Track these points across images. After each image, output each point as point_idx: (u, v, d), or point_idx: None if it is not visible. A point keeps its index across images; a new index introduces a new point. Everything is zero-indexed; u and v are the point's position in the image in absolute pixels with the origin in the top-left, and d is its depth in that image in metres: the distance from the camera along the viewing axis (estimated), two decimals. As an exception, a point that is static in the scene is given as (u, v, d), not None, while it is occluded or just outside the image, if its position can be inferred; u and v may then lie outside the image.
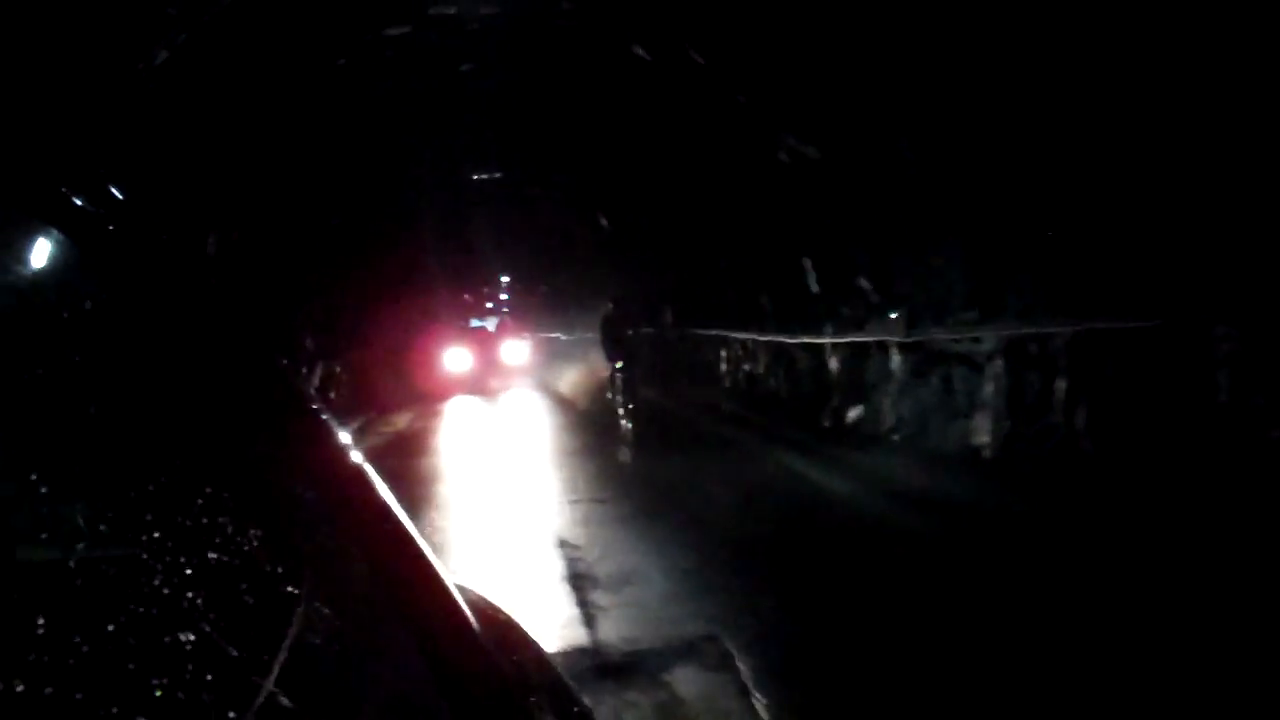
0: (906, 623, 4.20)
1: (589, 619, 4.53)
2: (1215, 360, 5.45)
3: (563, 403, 17.18)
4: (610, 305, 12.31)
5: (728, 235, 13.37)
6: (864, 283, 9.38)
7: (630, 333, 12.30)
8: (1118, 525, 5.43)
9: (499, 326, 26.95)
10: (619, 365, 11.97)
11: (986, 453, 7.61)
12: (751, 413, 12.70)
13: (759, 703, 3.47)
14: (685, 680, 3.71)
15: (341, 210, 14.72)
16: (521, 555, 5.85)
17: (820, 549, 5.60)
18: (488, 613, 1.30)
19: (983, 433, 7.64)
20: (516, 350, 25.79)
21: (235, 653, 0.82)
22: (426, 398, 17.83)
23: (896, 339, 8.82)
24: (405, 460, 10.01)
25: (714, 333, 15.51)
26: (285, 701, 0.81)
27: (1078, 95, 6.05)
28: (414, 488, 8.04)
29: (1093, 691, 3.37)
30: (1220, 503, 5.21)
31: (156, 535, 0.85)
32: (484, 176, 21.80)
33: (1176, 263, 5.71)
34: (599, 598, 4.86)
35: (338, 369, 16.35)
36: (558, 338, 30.92)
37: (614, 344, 12.02)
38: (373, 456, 1.05)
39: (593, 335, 13.69)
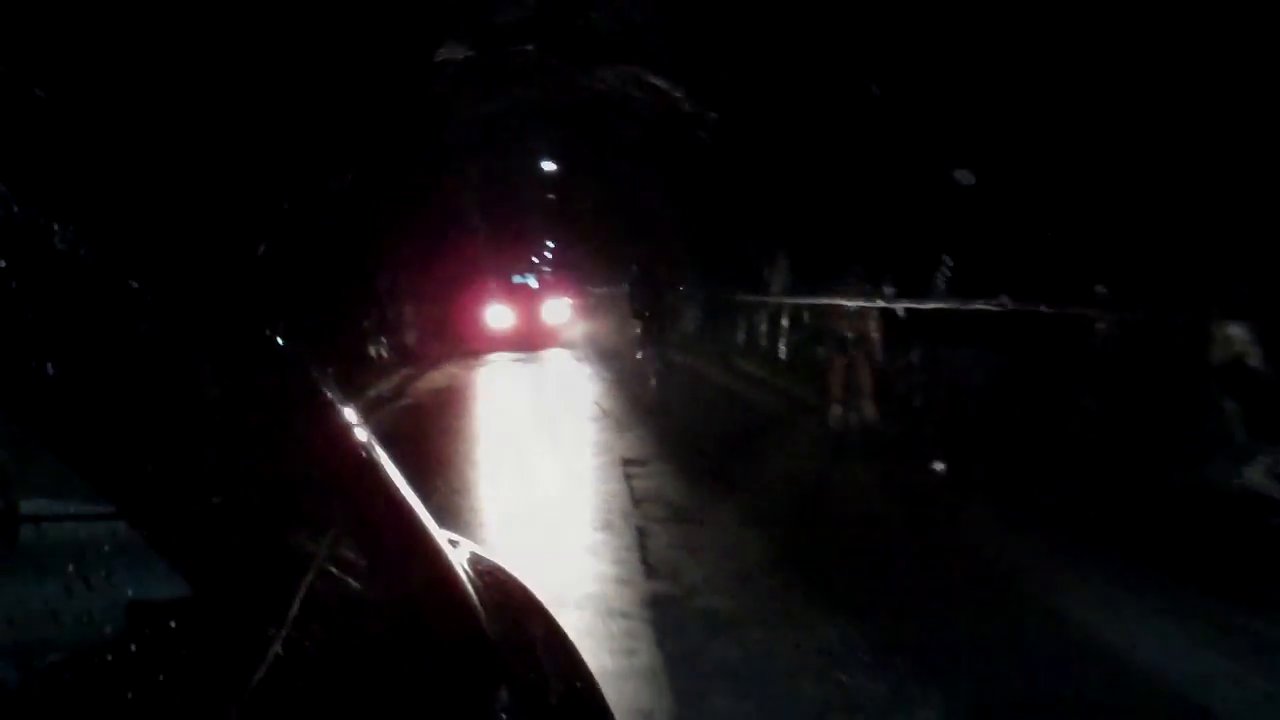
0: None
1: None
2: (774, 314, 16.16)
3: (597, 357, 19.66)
4: (635, 268, 13.43)
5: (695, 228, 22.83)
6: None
7: (654, 295, 13.04)
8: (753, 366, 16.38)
9: (541, 283, 26.75)
10: (643, 327, 13.03)
11: (741, 345, 18.47)
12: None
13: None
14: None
15: (400, 171, 16.30)
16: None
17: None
18: (497, 580, 1.38)
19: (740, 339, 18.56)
20: (558, 309, 25.66)
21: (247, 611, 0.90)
22: (468, 353, 20.26)
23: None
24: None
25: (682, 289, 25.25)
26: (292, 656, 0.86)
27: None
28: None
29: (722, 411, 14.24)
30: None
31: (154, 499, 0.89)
32: (548, 168, 30.60)
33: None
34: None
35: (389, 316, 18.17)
36: (591, 291, 35.09)
37: (640, 306, 13.04)
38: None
39: (623, 288, 14.88)
